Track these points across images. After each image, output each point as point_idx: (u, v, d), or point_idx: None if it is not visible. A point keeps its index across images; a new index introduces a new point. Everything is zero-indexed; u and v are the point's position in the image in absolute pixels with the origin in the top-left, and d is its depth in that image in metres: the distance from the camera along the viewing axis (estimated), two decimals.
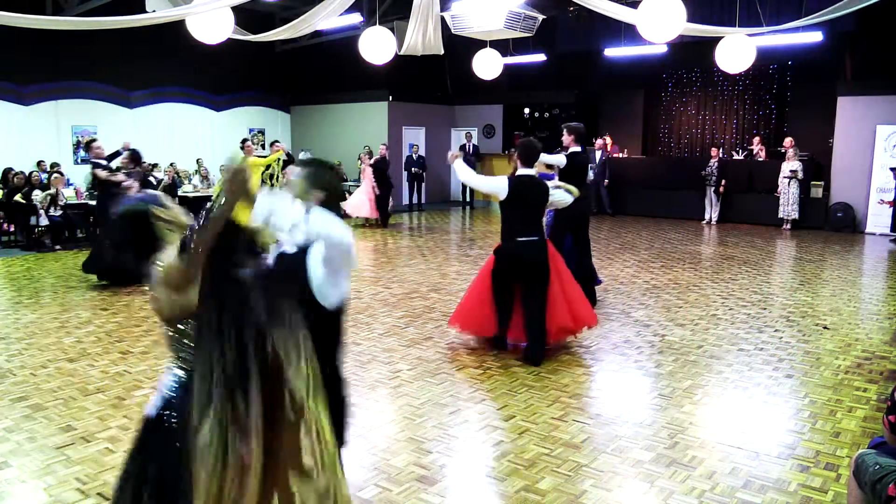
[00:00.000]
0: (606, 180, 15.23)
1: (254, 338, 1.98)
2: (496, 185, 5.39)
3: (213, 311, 1.97)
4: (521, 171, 5.40)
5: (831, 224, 13.40)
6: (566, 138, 6.94)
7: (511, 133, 17.33)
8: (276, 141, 9.96)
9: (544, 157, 6.34)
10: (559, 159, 6.75)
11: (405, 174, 16.89)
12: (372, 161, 13.90)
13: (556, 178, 6.52)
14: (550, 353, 5.49)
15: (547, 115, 17.96)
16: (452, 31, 9.46)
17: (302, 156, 9.80)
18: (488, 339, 5.71)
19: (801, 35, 11.13)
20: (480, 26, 9.24)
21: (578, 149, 6.89)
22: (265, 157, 9.34)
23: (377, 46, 8.14)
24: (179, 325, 2.21)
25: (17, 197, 10.92)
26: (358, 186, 16.32)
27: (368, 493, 3.40)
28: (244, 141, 9.80)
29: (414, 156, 16.36)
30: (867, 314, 7.10)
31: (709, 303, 7.42)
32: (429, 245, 11.55)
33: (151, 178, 13.04)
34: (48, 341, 5.97)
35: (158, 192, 7.54)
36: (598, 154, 14.75)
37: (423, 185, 16.58)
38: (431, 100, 18.16)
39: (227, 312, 1.97)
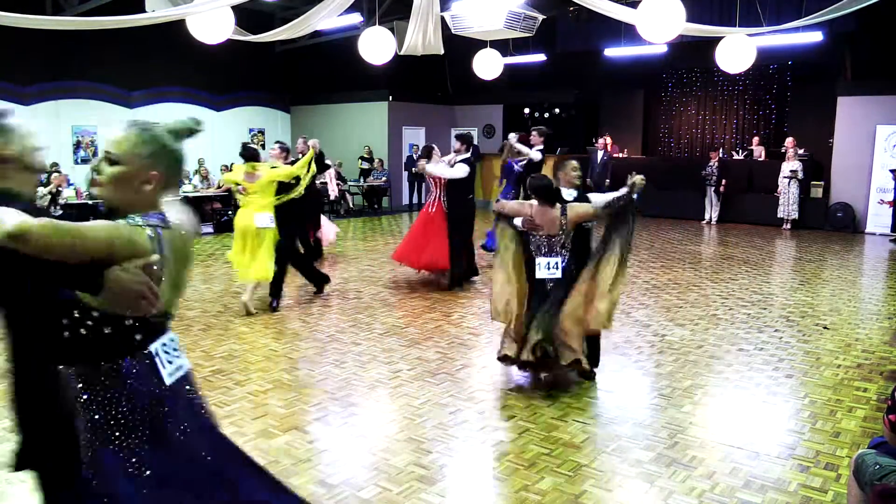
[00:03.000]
0: (608, 180, 15.20)
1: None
2: (458, 172, 7.76)
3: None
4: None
5: (831, 224, 13.41)
6: (535, 139, 8.85)
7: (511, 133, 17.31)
8: (278, 141, 9.84)
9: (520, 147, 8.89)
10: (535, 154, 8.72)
11: (405, 174, 16.86)
12: None
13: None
14: None
15: (547, 115, 17.95)
16: (452, 31, 9.45)
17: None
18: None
19: (801, 35, 11.13)
20: (480, 26, 9.23)
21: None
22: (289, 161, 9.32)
23: (376, 46, 8.14)
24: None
25: None
26: (357, 186, 16.33)
27: (368, 493, 3.40)
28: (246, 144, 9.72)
29: (414, 156, 16.35)
30: (867, 314, 7.10)
31: (709, 303, 7.42)
32: None
33: None
34: None
35: None
36: (599, 154, 14.73)
37: (424, 184, 16.56)
38: (431, 100, 18.15)
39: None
